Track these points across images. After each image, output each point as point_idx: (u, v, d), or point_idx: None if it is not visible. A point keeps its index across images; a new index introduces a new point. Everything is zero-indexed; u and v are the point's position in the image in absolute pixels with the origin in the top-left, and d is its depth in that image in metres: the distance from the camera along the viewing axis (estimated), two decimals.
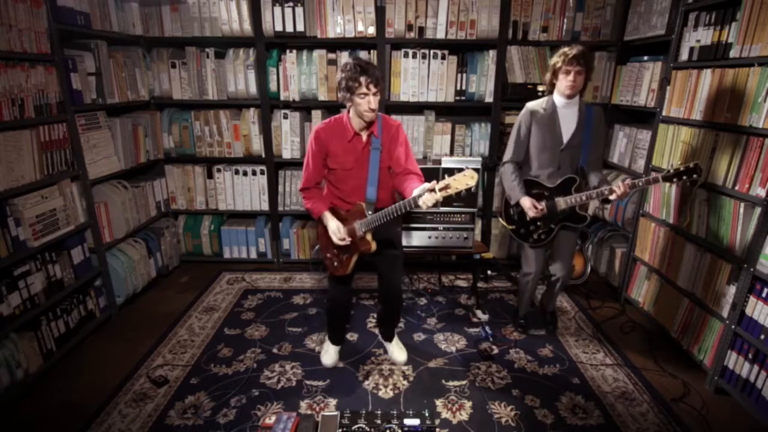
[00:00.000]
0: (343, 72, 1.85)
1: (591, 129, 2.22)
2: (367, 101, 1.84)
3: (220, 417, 1.98)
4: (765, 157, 1.94)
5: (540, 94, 3.01)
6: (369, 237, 2.00)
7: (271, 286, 3.21)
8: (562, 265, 2.45)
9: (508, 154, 2.38)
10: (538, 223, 2.33)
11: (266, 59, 3.11)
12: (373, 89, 1.83)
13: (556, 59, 2.15)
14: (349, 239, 1.98)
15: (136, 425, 1.93)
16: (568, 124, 2.22)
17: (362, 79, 1.81)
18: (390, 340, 2.42)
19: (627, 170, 3.04)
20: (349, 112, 1.98)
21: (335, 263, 2.10)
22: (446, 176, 1.75)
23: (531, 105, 2.29)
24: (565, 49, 2.12)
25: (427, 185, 1.76)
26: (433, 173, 2.85)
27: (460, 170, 2.77)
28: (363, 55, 3.08)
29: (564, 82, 2.13)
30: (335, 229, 1.97)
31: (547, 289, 2.65)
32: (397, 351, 2.38)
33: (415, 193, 1.79)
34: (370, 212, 1.96)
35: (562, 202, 2.24)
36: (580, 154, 2.26)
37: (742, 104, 2.05)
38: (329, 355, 2.35)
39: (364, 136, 1.98)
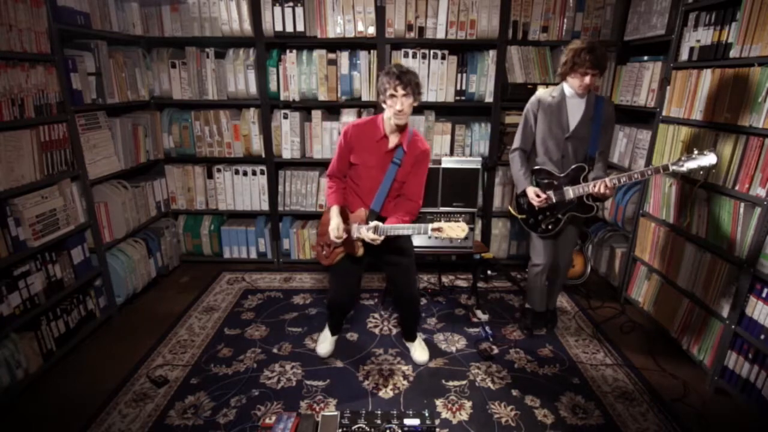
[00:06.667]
0: (381, 74, 1.95)
1: (601, 120, 2.21)
2: (394, 102, 1.91)
3: (220, 417, 1.98)
4: (765, 157, 1.94)
5: None
6: (359, 242, 2.07)
7: (271, 286, 3.21)
8: (562, 255, 2.46)
9: (516, 142, 2.39)
10: (547, 213, 2.33)
11: (266, 59, 3.11)
12: (401, 91, 1.89)
13: (576, 59, 2.06)
14: (344, 236, 2.06)
15: (136, 425, 1.93)
16: (575, 114, 2.23)
17: (392, 81, 1.89)
18: (412, 340, 2.44)
19: (627, 170, 3.04)
20: (384, 113, 2.03)
21: (323, 252, 2.22)
22: (442, 219, 1.92)
23: (540, 93, 2.30)
24: (584, 50, 2.03)
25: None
26: (433, 173, 2.85)
27: (460, 170, 2.82)
28: (363, 54, 3.08)
29: (578, 81, 2.12)
30: (335, 226, 2.05)
31: (548, 285, 2.64)
32: (419, 351, 2.39)
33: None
34: (370, 221, 2.03)
35: (570, 192, 2.23)
36: (586, 145, 2.25)
37: (742, 104, 2.05)
38: (325, 345, 2.40)
39: (392, 143, 2.03)
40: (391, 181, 2.06)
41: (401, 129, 2.02)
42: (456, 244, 2.93)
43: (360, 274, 2.30)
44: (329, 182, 2.20)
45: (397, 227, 1.97)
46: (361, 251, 2.09)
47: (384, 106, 1.98)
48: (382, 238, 1.96)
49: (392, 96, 1.91)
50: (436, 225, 1.89)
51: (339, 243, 2.11)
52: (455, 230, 1.87)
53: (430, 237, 1.92)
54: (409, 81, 1.90)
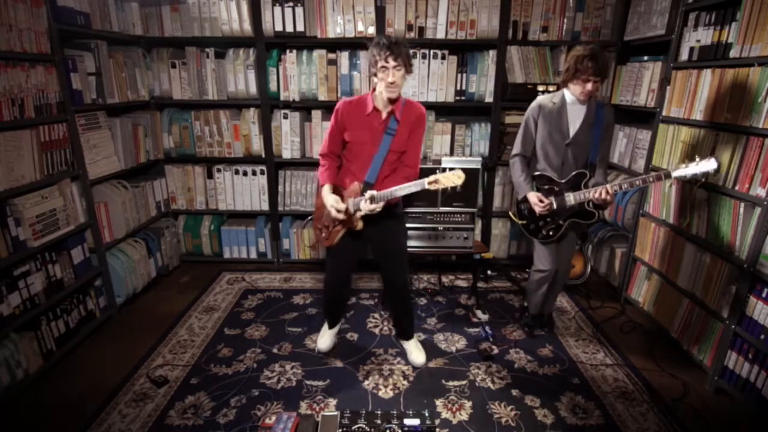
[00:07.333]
0: (371, 47, 1.90)
1: (601, 127, 2.21)
2: (386, 74, 1.86)
3: (220, 417, 1.98)
4: (765, 157, 1.94)
5: (540, 94, 3.00)
6: (358, 215, 2.03)
7: (271, 286, 3.21)
8: (562, 260, 2.46)
9: (516, 148, 2.38)
10: (548, 219, 2.32)
11: (266, 59, 3.11)
12: (392, 62, 1.84)
13: (578, 65, 2.04)
14: (345, 210, 2.03)
15: (136, 425, 1.93)
16: (576, 121, 2.22)
17: (383, 52, 1.83)
18: (408, 338, 2.40)
19: (627, 170, 3.04)
20: (374, 89, 2.00)
21: (323, 234, 2.20)
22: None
23: (541, 99, 2.29)
24: (587, 56, 2.01)
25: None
26: (432, 173, 2.85)
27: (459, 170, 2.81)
28: (363, 54, 3.08)
29: (579, 88, 2.10)
30: (333, 202, 2.01)
31: (547, 289, 2.64)
32: (415, 352, 2.36)
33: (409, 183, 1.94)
34: (365, 193, 1.98)
35: (571, 198, 2.23)
36: (587, 152, 2.24)
37: (742, 104, 2.05)
38: (324, 339, 2.39)
39: (384, 114, 1.99)
40: (386, 152, 2.00)
41: (393, 102, 1.97)
42: (456, 243, 2.93)
43: (357, 253, 2.24)
44: (322, 161, 2.13)
45: (393, 189, 1.92)
46: (360, 225, 2.05)
47: (375, 79, 1.93)
48: (381, 205, 1.93)
49: (384, 68, 1.85)
50: (432, 178, 1.85)
51: (339, 220, 2.06)
52: (452, 179, 1.83)
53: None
54: (400, 52, 1.83)
